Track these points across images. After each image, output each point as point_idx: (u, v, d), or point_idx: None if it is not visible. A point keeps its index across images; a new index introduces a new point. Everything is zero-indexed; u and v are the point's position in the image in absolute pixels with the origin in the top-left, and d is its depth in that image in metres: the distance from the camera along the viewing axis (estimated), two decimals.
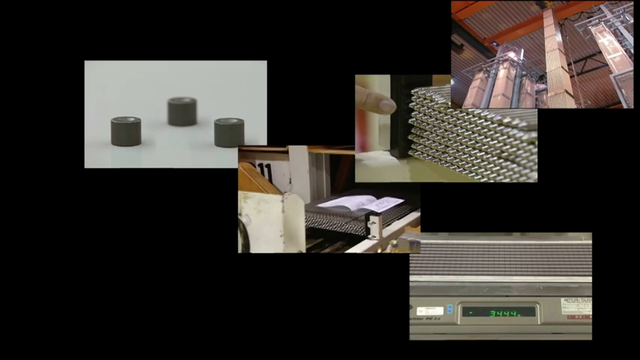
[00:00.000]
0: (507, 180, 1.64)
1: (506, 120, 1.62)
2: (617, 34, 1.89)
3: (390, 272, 1.80)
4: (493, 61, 2.05)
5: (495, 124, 1.64)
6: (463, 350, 1.74)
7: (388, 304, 1.79)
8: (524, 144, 1.60)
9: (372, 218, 2.08)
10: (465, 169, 1.74)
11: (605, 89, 1.89)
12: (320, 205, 2.34)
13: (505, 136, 1.63)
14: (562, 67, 1.91)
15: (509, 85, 1.95)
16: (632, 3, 1.82)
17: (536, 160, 1.59)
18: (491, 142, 1.65)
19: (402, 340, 1.76)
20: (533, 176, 1.60)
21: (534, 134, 1.59)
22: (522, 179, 1.61)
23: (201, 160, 1.88)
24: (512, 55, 2.04)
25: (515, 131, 1.61)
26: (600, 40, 1.93)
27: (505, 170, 1.64)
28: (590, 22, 1.95)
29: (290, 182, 2.56)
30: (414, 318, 1.72)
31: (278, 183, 2.58)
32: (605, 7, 1.89)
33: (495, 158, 1.65)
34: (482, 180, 1.69)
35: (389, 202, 2.42)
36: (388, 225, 2.19)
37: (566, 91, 1.85)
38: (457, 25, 1.88)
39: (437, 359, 1.74)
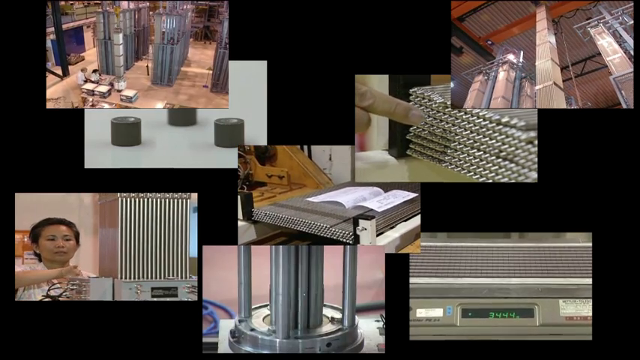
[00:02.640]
0: (506, 179, 1.64)
1: (504, 119, 1.62)
2: (616, 35, 1.89)
3: (390, 273, 1.80)
4: (493, 63, 2.05)
5: (494, 124, 1.64)
6: (462, 351, 1.73)
7: (388, 304, 1.79)
8: (523, 143, 1.59)
9: (362, 223, 1.63)
10: (463, 169, 1.73)
11: (605, 90, 1.89)
12: (310, 200, 2.00)
13: (503, 136, 1.62)
14: (552, 59, 1.90)
15: (508, 87, 1.96)
16: (631, 4, 1.82)
17: (535, 160, 1.58)
18: (489, 142, 1.65)
19: (402, 340, 1.75)
20: (532, 175, 1.59)
21: (533, 133, 1.58)
22: (521, 179, 1.61)
23: (201, 160, 1.87)
24: (511, 57, 2.04)
25: (513, 130, 1.60)
26: (599, 42, 1.93)
27: (504, 170, 1.63)
28: (589, 23, 1.95)
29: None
30: (414, 319, 1.71)
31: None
32: (603, 8, 1.90)
33: (494, 158, 1.65)
34: (480, 180, 1.69)
35: (396, 198, 2.01)
36: (392, 228, 1.82)
37: (555, 83, 1.84)
38: (455, 27, 1.88)
39: (432, 359, 1.74)
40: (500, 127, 1.62)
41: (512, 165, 1.61)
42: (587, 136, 1.79)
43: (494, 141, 1.64)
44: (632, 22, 1.80)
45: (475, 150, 1.69)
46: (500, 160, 1.64)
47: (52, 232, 1.92)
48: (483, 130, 1.66)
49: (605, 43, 1.92)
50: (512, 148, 1.61)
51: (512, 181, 1.62)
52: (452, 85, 1.82)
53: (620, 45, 1.88)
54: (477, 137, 1.68)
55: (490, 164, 1.65)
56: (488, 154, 1.66)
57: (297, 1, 1.81)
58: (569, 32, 1.97)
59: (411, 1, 1.80)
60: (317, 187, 2.36)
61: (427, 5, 1.80)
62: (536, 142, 1.58)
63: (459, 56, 1.91)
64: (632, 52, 1.79)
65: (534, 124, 1.59)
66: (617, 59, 1.87)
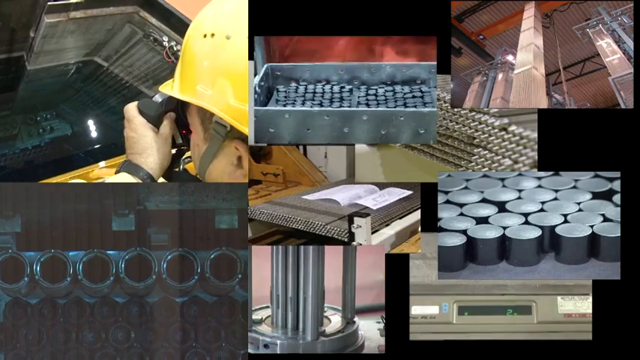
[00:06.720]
0: (479, 167, 1.60)
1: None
2: (614, 36, 1.89)
3: (390, 273, 1.79)
4: (492, 64, 2.05)
5: (466, 110, 1.60)
6: (459, 349, 1.72)
7: (388, 305, 1.78)
8: (496, 130, 1.57)
9: (358, 221, 1.64)
10: (437, 157, 1.70)
11: (604, 91, 1.88)
12: (305, 197, 1.99)
13: (477, 123, 1.59)
14: (534, 44, 1.88)
15: (507, 87, 1.95)
16: (631, 5, 1.82)
17: (509, 147, 1.55)
18: (462, 129, 1.62)
19: (402, 341, 1.75)
20: (506, 163, 1.57)
21: (506, 120, 1.55)
22: (494, 166, 1.58)
23: None
24: (510, 58, 2.04)
25: (486, 117, 1.57)
26: (598, 43, 1.93)
27: (477, 157, 1.60)
28: (588, 24, 1.95)
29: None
30: (409, 317, 1.71)
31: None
32: (602, 9, 1.90)
33: (467, 145, 1.61)
34: (454, 168, 1.66)
35: (391, 195, 2.01)
36: (387, 225, 1.82)
37: (534, 68, 1.82)
38: (454, 27, 1.87)
39: (432, 358, 1.73)
40: (473, 113, 1.59)
41: (486, 152, 1.58)
42: (587, 136, 1.79)
43: (467, 128, 1.60)
44: (632, 23, 1.80)
45: (449, 138, 1.66)
46: (473, 147, 1.60)
47: None
48: (456, 117, 1.63)
49: (604, 44, 1.91)
50: (485, 135, 1.58)
51: (486, 169, 1.58)
52: (451, 85, 1.81)
53: (619, 46, 1.88)
54: (449, 124, 1.65)
55: (463, 152, 1.62)
56: (461, 142, 1.63)
57: (297, 2, 1.82)
58: (561, 26, 1.96)
59: (411, 1, 1.81)
60: (312, 184, 2.37)
61: (427, 5, 1.81)
62: (510, 128, 1.54)
63: (458, 57, 1.91)
64: (631, 54, 1.79)
65: (508, 110, 1.56)
66: (616, 60, 1.87)
